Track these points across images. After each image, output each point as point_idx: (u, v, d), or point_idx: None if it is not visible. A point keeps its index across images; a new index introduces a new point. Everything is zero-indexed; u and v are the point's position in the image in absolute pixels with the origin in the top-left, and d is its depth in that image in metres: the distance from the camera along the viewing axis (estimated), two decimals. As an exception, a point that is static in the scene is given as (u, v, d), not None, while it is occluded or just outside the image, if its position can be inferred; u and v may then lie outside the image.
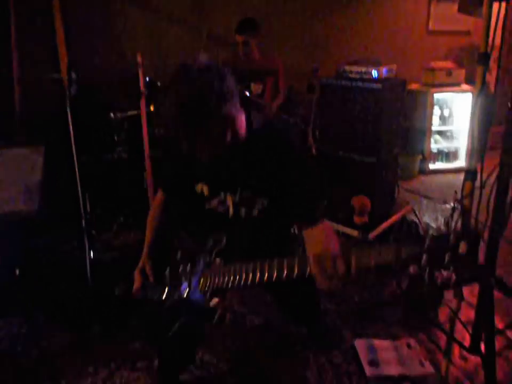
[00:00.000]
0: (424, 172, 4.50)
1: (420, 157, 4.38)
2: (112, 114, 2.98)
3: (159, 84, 2.82)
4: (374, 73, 2.43)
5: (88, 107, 3.05)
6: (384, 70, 2.52)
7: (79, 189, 2.43)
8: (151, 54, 4.02)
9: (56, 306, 2.34)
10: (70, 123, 2.37)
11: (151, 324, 1.95)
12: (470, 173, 1.94)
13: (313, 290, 1.82)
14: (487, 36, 1.68)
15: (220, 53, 3.87)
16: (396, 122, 2.66)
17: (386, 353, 2.14)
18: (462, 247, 0.93)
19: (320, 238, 1.21)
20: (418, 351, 2.16)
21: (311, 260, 1.13)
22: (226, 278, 1.37)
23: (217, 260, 1.46)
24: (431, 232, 1.02)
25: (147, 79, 2.45)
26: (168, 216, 1.70)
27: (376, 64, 2.52)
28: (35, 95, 3.80)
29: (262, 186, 1.44)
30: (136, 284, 1.61)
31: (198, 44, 4.14)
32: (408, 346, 2.19)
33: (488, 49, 1.73)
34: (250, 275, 1.29)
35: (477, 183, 1.97)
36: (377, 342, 2.21)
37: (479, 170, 1.93)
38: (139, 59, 2.34)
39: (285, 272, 1.20)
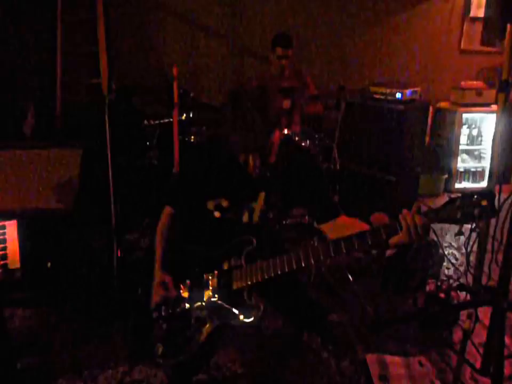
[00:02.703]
0: (450, 190, 4.48)
1: (445, 175, 4.37)
2: (146, 121, 3.12)
3: (192, 94, 2.95)
4: (398, 95, 2.49)
5: (124, 113, 3.21)
6: (408, 92, 2.57)
7: (112, 190, 2.57)
8: (185, 65, 4.20)
9: (83, 301, 2.48)
10: (107, 128, 2.51)
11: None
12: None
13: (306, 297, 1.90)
14: (510, 65, 1.72)
15: (254, 67, 3.99)
16: (418, 142, 2.70)
17: (397, 369, 2.18)
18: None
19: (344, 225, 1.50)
20: (430, 369, 2.19)
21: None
22: (257, 276, 1.48)
23: (244, 261, 1.53)
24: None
25: (181, 90, 2.57)
26: (178, 229, 1.73)
27: (401, 86, 2.58)
28: (75, 100, 4.02)
29: (287, 193, 1.61)
30: (157, 298, 1.61)
31: (231, 58, 4.29)
32: (420, 364, 2.22)
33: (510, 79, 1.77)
34: (280, 267, 1.43)
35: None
36: (389, 358, 2.24)
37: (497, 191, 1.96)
38: (175, 71, 2.47)
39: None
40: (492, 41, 1.56)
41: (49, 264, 2.57)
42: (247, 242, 1.54)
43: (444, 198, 4.40)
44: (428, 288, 2.67)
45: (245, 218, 1.65)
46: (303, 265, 1.40)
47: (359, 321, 2.51)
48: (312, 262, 1.39)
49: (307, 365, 2.21)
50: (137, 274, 2.74)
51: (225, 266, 1.56)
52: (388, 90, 2.59)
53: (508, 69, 1.74)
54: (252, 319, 1.49)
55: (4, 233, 1.87)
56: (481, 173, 4.61)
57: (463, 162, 4.58)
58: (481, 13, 4.47)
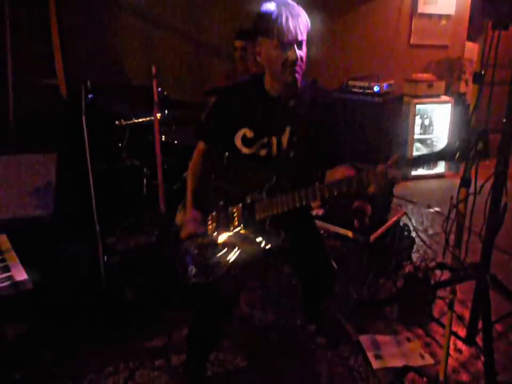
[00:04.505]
0: (407, 178, 4.74)
1: (404, 163, 4.62)
2: (117, 122, 3.05)
3: (165, 92, 2.91)
4: (376, 88, 2.62)
5: (94, 114, 3.11)
6: (385, 85, 2.72)
7: (92, 195, 2.50)
8: (145, 62, 4.11)
9: (72, 309, 2.40)
10: (85, 130, 2.43)
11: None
12: (465, 180, 2.12)
13: (326, 258, 2.08)
14: (482, 58, 1.87)
15: (218, 65, 4.02)
16: (394, 132, 2.86)
17: (389, 347, 2.31)
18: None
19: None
20: (418, 344, 2.35)
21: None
22: (279, 208, 1.63)
23: (265, 195, 1.68)
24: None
25: (159, 89, 2.54)
26: (209, 165, 1.88)
27: (377, 80, 2.72)
28: (28, 101, 3.82)
29: (308, 129, 1.71)
30: (187, 231, 1.78)
31: (193, 54, 4.27)
32: (408, 340, 2.38)
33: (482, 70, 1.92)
34: (296, 201, 1.58)
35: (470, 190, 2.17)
36: (380, 337, 2.38)
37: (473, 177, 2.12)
38: (154, 71, 2.44)
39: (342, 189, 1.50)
40: (474, 37, 1.68)
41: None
42: (268, 178, 1.69)
43: (403, 185, 4.67)
44: (406, 270, 2.85)
45: (266, 151, 1.75)
46: (312, 200, 1.58)
47: (347, 306, 2.63)
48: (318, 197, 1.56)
49: (306, 352, 2.29)
50: (121, 279, 2.71)
51: (248, 200, 1.71)
52: (366, 84, 2.72)
53: (480, 61, 1.88)
54: (272, 244, 1.66)
55: (-4, 244, 1.77)
56: (434, 160, 4.92)
57: (417, 151, 4.86)
58: (428, 9, 4.77)
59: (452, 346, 2.31)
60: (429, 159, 1.43)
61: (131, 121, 3.13)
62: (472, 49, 4.85)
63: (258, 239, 1.69)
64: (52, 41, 3.95)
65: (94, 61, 4.00)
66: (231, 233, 1.72)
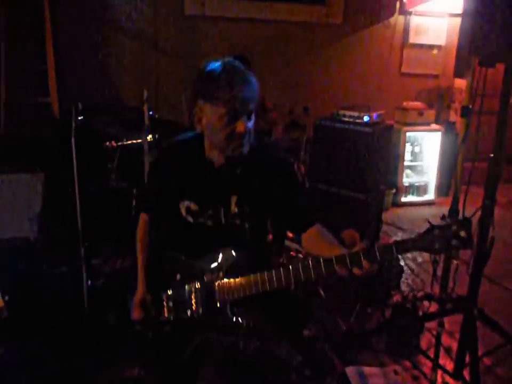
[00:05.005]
0: (397, 204, 4.76)
1: (393, 190, 4.64)
2: (107, 143, 3.03)
3: (156, 115, 2.92)
4: (366, 118, 2.66)
5: (83, 135, 3.10)
6: (374, 115, 2.76)
7: (78, 217, 2.47)
8: (139, 83, 4.14)
9: (52, 333, 2.34)
10: (74, 151, 2.42)
11: (151, 351, 1.95)
12: (452, 211, 2.14)
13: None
14: (470, 93, 1.90)
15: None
16: (383, 162, 2.89)
17: (376, 379, 2.27)
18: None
19: (322, 239, 1.48)
20: (405, 377, 2.31)
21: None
22: (240, 292, 1.45)
23: (225, 273, 1.49)
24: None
25: (150, 112, 2.55)
26: (155, 237, 1.70)
27: (368, 110, 2.76)
28: (20, 119, 3.80)
29: (258, 198, 1.53)
30: (136, 315, 1.61)
31: (189, 76, 4.30)
32: (395, 372, 2.33)
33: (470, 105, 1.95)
34: (262, 285, 1.41)
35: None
36: (366, 369, 2.33)
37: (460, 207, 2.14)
38: (145, 95, 2.44)
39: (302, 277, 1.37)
40: (460, 72, 1.71)
41: (6, 298, 2.41)
42: (225, 252, 1.51)
43: (393, 212, 4.68)
44: (394, 299, 2.82)
45: (213, 221, 1.58)
46: (289, 283, 1.40)
47: (332, 335, 2.59)
48: (302, 279, 1.38)
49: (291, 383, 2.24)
50: (105, 303, 2.66)
51: (206, 279, 1.52)
52: (356, 114, 2.76)
53: (468, 96, 1.92)
54: (233, 336, 1.52)
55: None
56: (424, 187, 4.96)
57: (407, 177, 4.90)
58: (418, 40, 4.87)
59: (439, 380, 2.28)
60: (406, 248, 1.27)
61: (121, 143, 3.12)
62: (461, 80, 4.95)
63: (217, 327, 1.53)
64: (47, 59, 3.98)
65: (88, 81, 4.02)
66: (187, 317, 1.55)
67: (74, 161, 2.42)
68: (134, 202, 3.35)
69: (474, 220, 2.01)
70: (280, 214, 1.57)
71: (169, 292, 1.59)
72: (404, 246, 1.27)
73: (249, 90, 1.38)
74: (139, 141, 3.19)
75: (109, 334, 2.44)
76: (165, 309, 1.59)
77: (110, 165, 3.21)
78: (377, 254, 1.27)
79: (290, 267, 1.39)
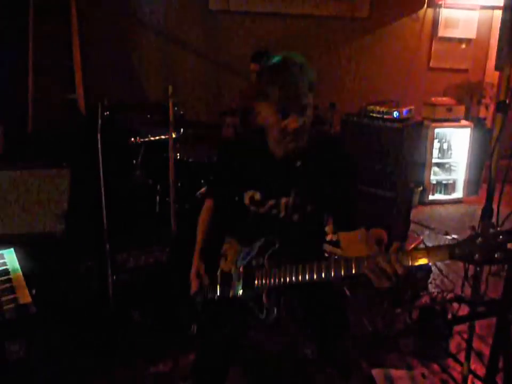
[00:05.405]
0: (424, 203, 4.64)
1: (420, 188, 4.53)
2: (132, 139, 3.05)
3: (181, 112, 2.91)
4: (395, 113, 2.59)
5: (108, 131, 3.12)
6: (404, 111, 2.68)
7: (104, 212, 2.48)
8: (164, 82, 4.15)
9: (78, 329, 2.36)
10: (100, 148, 2.43)
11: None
12: (486, 210, 2.04)
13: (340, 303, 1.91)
14: (507, 86, 1.81)
15: (235, 84, 4.02)
16: (413, 159, 2.81)
17: (403, 382, 2.21)
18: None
19: (362, 241, 1.47)
20: (433, 381, 2.24)
21: (366, 262, 1.29)
22: (277, 279, 1.49)
23: (267, 261, 1.54)
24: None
25: (175, 108, 2.54)
26: (217, 221, 1.80)
27: (397, 105, 2.69)
28: (47, 117, 3.86)
29: (316, 192, 1.58)
30: (194, 287, 1.67)
31: (211, 73, 4.30)
32: (423, 376, 2.27)
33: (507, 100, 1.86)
34: (300, 276, 1.44)
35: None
36: (393, 372, 2.28)
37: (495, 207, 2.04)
38: (170, 91, 2.43)
39: (335, 272, 1.37)
40: (500, 66, 1.64)
41: (34, 292, 2.44)
42: (271, 243, 1.57)
43: (419, 210, 4.57)
44: (422, 300, 2.75)
45: (275, 212, 1.64)
46: (324, 278, 1.41)
47: (359, 336, 2.54)
48: (333, 276, 1.39)
49: (315, 383, 2.20)
50: (130, 298, 2.68)
51: (249, 263, 1.59)
52: (385, 109, 2.69)
53: (505, 89, 1.83)
54: (265, 320, 1.53)
55: (4, 263, 1.74)
56: (452, 185, 4.83)
57: (435, 175, 4.77)
58: (448, 33, 4.73)
59: (469, 384, 2.21)
60: (440, 256, 1.19)
61: (146, 139, 3.13)
62: (493, 73, 4.79)
63: (253, 309, 1.56)
64: (73, 56, 4.03)
65: (113, 77, 4.05)
66: (229, 296, 1.61)
67: (100, 157, 2.43)
68: (158, 198, 3.38)
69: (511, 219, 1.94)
70: (333, 209, 1.61)
71: (218, 272, 1.67)
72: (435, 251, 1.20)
73: (299, 87, 1.41)
74: (163, 137, 3.21)
75: (133, 331, 2.45)
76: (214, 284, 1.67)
77: (135, 161, 3.23)
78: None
79: (333, 261, 1.40)
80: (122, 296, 2.59)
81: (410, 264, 1.23)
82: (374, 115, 2.73)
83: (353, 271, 1.34)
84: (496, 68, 1.66)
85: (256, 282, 1.54)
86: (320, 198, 1.60)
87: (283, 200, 1.61)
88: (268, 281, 1.52)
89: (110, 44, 4.06)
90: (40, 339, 1.93)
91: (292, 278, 1.46)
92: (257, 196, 1.64)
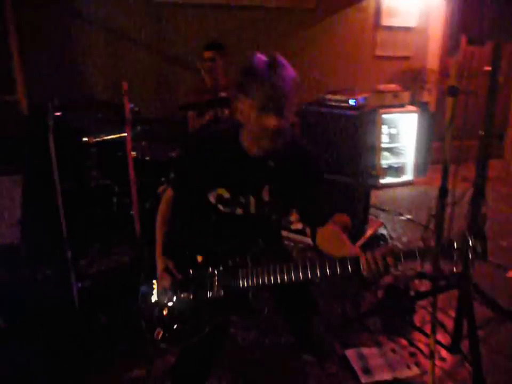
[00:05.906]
0: (376, 186, 4.81)
1: (375, 172, 4.69)
2: (85, 139, 2.93)
3: (136, 108, 2.83)
4: (352, 101, 2.66)
5: (59, 132, 2.98)
6: (360, 99, 2.77)
7: (62, 218, 2.38)
8: (111, 76, 4.01)
9: (46, 338, 2.26)
10: (52, 150, 2.31)
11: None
12: (443, 191, 2.16)
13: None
14: (456, 71, 1.92)
15: (185, 78, 3.96)
16: (370, 144, 2.90)
17: (375, 360, 2.30)
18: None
19: (337, 238, 1.55)
20: (403, 355, 2.35)
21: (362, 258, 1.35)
22: (261, 279, 1.50)
23: (249, 262, 1.55)
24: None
25: (131, 105, 2.46)
26: (178, 214, 1.75)
27: (353, 94, 2.76)
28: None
29: (286, 190, 1.62)
30: (166, 283, 1.62)
31: (159, 68, 4.20)
32: (393, 351, 2.37)
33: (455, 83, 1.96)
34: (284, 275, 1.46)
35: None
36: (365, 350, 2.36)
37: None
38: (125, 87, 2.35)
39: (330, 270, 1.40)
40: (452, 51, 1.72)
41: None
42: (252, 241, 1.57)
43: (373, 194, 4.73)
44: (386, 280, 2.86)
45: (243, 210, 1.65)
46: (309, 277, 1.43)
47: (330, 319, 2.60)
48: (318, 275, 1.42)
49: (293, 370, 2.24)
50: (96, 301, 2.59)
51: (231, 263, 1.57)
52: (343, 97, 2.76)
53: (455, 75, 1.93)
54: (252, 319, 1.61)
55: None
56: (402, 168, 5.04)
57: (384, 159, 4.96)
58: (390, 22, 4.90)
59: (436, 356, 2.33)
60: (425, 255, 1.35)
61: (100, 138, 3.01)
62: (433, 60, 5.02)
63: (238, 309, 1.57)
64: (12, 55, 3.79)
65: (58, 76, 3.86)
66: (209, 297, 1.57)
67: (54, 160, 2.31)
68: (115, 199, 3.27)
69: (466, 198, 2.07)
70: (303, 209, 1.68)
71: (191, 272, 1.62)
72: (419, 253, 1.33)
73: (285, 86, 1.42)
74: (118, 135, 3.10)
75: (103, 334, 2.38)
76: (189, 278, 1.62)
77: (89, 162, 3.11)
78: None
79: (317, 261, 1.43)
80: (88, 302, 2.50)
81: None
82: (333, 103, 2.80)
83: (338, 272, 1.38)
84: (449, 54, 1.74)
85: (239, 282, 1.54)
86: (290, 199, 1.66)
87: (253, 199, 1.63)
88: (253, 282, 1.52)
89: (52, 40, 3.86)
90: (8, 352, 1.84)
91: (277, 278, 1.47)
92: (226, 194, 1.63)
